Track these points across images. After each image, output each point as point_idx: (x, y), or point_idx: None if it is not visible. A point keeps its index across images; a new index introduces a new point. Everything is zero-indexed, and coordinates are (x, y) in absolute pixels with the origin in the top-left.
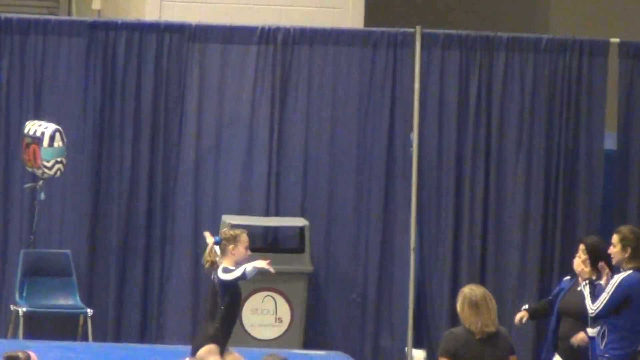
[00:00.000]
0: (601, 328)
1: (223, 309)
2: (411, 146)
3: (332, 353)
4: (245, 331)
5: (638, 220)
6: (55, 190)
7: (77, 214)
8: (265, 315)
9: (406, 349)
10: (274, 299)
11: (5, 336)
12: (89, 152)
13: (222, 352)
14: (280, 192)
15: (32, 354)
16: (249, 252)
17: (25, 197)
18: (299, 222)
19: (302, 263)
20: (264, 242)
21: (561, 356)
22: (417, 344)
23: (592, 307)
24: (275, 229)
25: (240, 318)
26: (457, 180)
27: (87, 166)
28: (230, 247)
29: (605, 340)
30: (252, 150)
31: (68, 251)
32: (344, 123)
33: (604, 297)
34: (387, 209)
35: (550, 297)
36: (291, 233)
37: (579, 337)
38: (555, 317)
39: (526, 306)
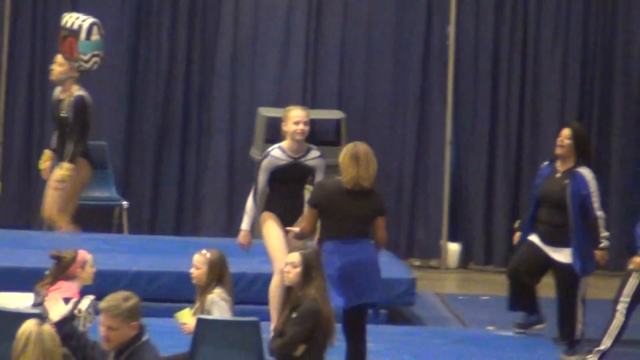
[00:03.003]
0: None
1: None
2: (448, 39)
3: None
4: None
5: None
6: (92, 82)
7: (113, 106)
8: None
9: (441, 242)
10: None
11: (41, 227)
12: (125, 43)
13: None
14: (316, 85)
15: (81, 252)
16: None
17: None
18: (336, 114)
19: (338, 156)
20: None
21: (538, 236)
22: (452, 238)
23: None
24: (311, 122)
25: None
26: (493, 73)
27: (124, 58)
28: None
29: None
30: (289, 42)
31: (104, 143)
32: (381, 16)
33: None
34: (423, 101)
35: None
36: (327, 126)
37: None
38: (534, 203)
39: (517, 224)
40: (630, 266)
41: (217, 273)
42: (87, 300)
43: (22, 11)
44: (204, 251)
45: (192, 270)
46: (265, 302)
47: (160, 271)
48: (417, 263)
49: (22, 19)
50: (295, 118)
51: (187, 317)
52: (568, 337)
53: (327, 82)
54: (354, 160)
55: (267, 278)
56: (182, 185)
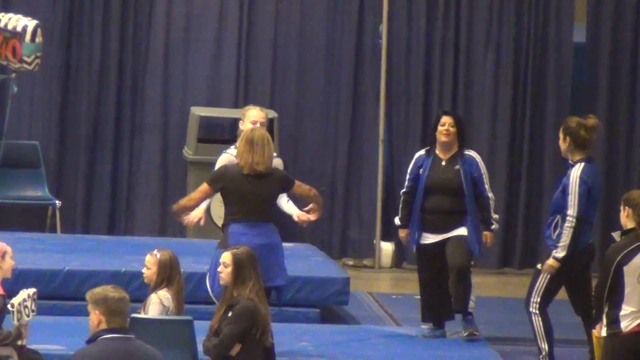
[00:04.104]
0: (554, 219)
1: None
2: (380, 38)
3: (300, 245)
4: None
5: (606, 111)
6: (25, 82)
7: (46, 105)
8: None
9: (374, 241)
10: None
11: None
12: (57, 42)
13: None
14: (249, 84)
15: (1, 244)
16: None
17: None
18: (268, 113)
19: None
20: (233, 134)
21: (429, 231)
22: (385, 237)
23: (571, 214)
24: None
25: (209, 210)
26: (425, 72)
27: (56, 57)
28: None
29: (558, 231)
30: (221, 41)
31: (37, 142)
32: (314, 14)
33: (573, 200)
34: (356, 101)
35: (406, 189)
36: None
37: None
38: (422, 193)
39: (397, 222)
40: (542, 266)
41: (167, 273)
42: (24, 294)
43: None
44: (155, 251)
45: (144, 270)
46: (198, 301)
47: (94, 270)
48: (351, 262)
49: None
50: (252, 118)
51: None
52: (464, 309)
53: (260, 81)
54: (249, 145)
55: (199, 277)
56: (115, 184)
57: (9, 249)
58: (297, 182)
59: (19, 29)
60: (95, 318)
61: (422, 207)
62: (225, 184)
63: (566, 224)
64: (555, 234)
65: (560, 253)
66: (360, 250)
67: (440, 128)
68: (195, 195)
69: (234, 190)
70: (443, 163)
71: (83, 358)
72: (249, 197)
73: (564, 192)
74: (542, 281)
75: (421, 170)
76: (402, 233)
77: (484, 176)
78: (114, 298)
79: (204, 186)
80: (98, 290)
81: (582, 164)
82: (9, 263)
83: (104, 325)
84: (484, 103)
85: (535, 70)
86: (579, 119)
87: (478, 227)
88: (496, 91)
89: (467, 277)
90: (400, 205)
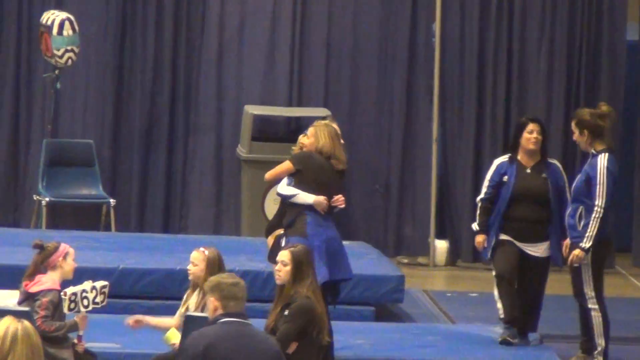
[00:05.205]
0: (576, 208)
1: None
2: (434, 37)
3: (354, 243)
4: (266, 217)
5: None
6: (79, 80)
7: (100, 104)
8: None
9: (429, 239)
10: None
11: (28, 226)
12: (111, 42)
13: None
14: (302, 82)
15: (63, 244)
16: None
17: (47, 88)
18: (321, 112)
19: None
20: (287, 132)
21: (512, 234)
22: (440, 235)
23: (599, 204)
24: (298, 119)
25: (263, 209)
26: (479, 70)
27: (110, 56)
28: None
29: (583, 221)
30: (275, 40)
31: (91, 141)
32: (367, 13)
33: (602, 190)
34: (409, 99)
35: (486, 196)
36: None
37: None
38: (508, 200)
39: (476, 227)
40: (571, 259)
41: (215, 271)
42: (86, 285)
43: (7, 11)
44: (202, 248)
45: (190, 267)
46: (251, 299)
47: (148, 268)
48: (406, 260)
49: (7, 19)
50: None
51: (175, 337)
52: (535, 331)
53: (313, 80)
54: (338, 141)
55: (253, 275)
56: (169, 183)
57: (71, 250)
58: None
59: (49, 23)
60: (211, 305)
61: (506, 215)
62: (308, 168)
63: (594, 215)
64: (581, 224)
65: (587, 243)
66: (415, 248)
67: (528, 135)
68: (277, 170)
69: (319, 180)
70: (528, 171)
71: (198, 337)
72: (331, 190)
73: (589, 183)
74: (587, 275)
75: (505, 178)
76: (480, 238)
77: (567, 185)
78: (227, 283)
79: (287, 163)
80: (213, 278)
81: (606, 154)
82: (70, 265)
83: (220, 311)
84: (537, 102)
85: (588, 69)
86: (590, 109)
87: (560, 238)
88: (550, 90)
89: (542, 302)
90: (479, 212)
